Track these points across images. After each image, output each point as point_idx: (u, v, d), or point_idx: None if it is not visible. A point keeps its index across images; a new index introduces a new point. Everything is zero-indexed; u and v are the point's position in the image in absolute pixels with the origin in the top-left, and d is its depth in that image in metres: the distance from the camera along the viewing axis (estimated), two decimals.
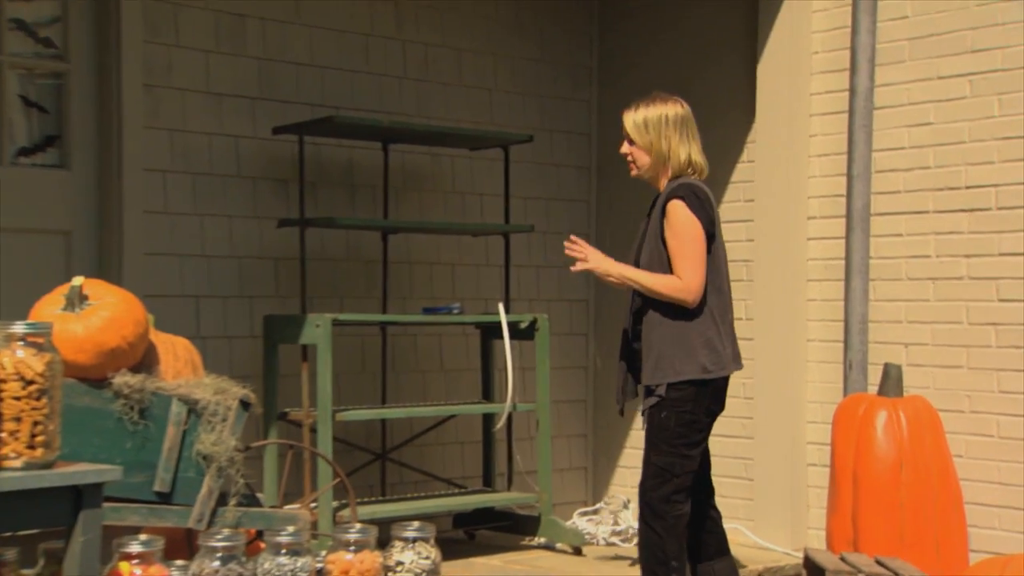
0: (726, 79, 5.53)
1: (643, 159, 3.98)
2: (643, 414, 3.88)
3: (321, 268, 5.15)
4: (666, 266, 3.86)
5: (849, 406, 4.59)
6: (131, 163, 4.65)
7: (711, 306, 3.87)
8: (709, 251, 3.84)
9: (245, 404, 3.66)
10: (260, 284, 4.99)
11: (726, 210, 5.54)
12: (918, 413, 4.50)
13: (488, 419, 5.22)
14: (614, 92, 5.93)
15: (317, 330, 4.48)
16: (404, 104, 5.41)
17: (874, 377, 4.84)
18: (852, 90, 4.92)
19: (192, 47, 4.84)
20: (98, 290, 3.62)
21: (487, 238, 5.61)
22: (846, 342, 4.90)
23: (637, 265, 3.93)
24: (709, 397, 3.88)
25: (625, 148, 4.00)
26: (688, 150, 3.93)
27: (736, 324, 5.36)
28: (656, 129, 3.94)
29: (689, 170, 3.92)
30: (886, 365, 4.60)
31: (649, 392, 3.84)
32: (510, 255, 5.33)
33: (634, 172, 4.01)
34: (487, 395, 5.23)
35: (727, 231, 5.56)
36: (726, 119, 5.54)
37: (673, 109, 3.94)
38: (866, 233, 4.91)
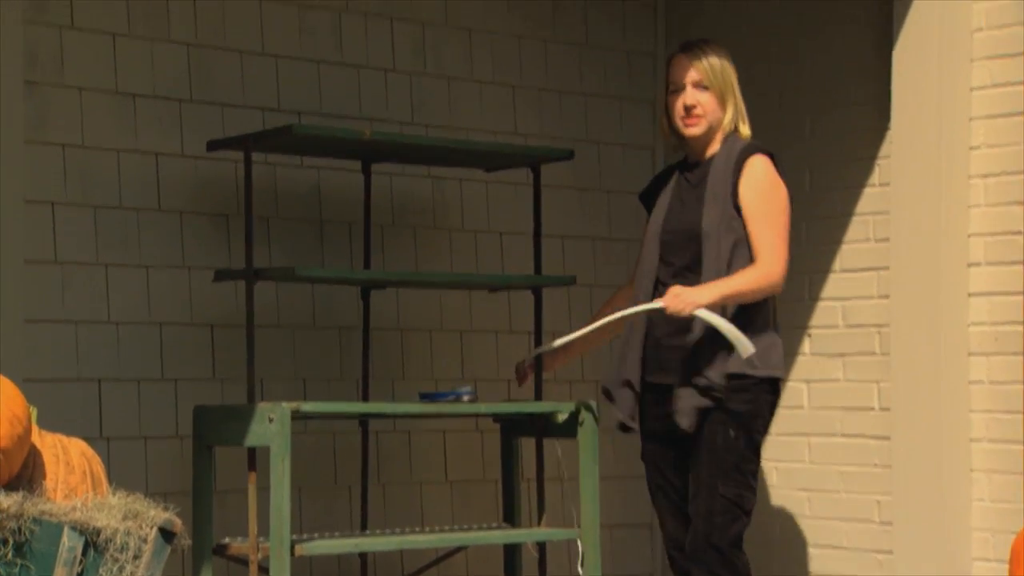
0: (847, 68, 5.51)
1: (716, 112, 4.41)
2: (681, 423, 4.22)
3: (276, 338, 5.13)
4: (740, 235, 4.27)
5: None
6: (6, 192, 4.64)
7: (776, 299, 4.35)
8: None
9: (167, 534, 3.66)
10: (189, 362, 4.97)
11: (847, 253, 5.49)
12: None
13: (512, 552, 5.17)
14: None
15: (270, 426, 4.45)
16: (393, 108, 5.42)
17: None
18: None
19: (93, 28, 4.83)
20: None
21: (510, 294, 5.58)
22: None
23: (665, 247, 4.41)
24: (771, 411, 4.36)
25: (691, 97, 4.39)
26: None
27: (866, 415, 5.45)
28: (731, 73, 4.41)
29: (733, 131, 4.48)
30: None
31: (708, 390, 4.21)
32: (542, 318, 5.27)
33: (697, 130, 4.41)
34: (510, 517, 5.19)
35: (847, 281, 5.52)
36: (847, 125, 5.52)
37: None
38: None
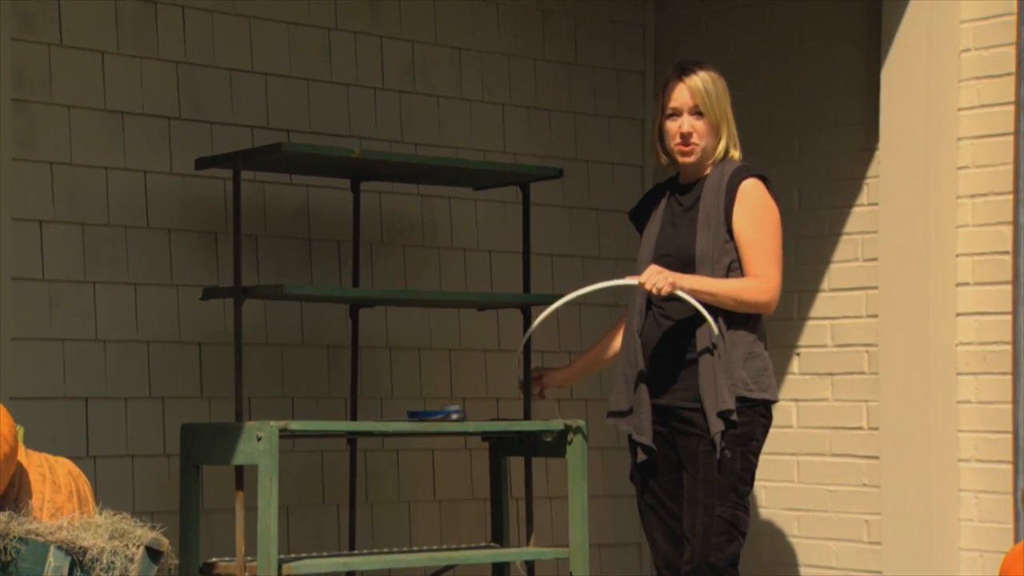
0: (836, 88, 5.53)
1: (710, 138, 4.44)
2: (700, 451, 4.32)
3: (264, 356, 5.14)
4: (734, 259, 4.34)
5: (1022, 558, 4.47)
6: None
7: (765, 320, 4.39)
8: None
9: (154, 553, 3.67)
10: (177, 380, 4.97)
11: (835, 273, 5.49)
12: None
13: (501, 571, 5.17)
14: None
15: (258, 445, 4.45)
16: (382, 126, 5.43)
17: None
18: (1020, 103, 4.93)
19: (81, 46, 4.84)
20: None
21: (499, 312, 5.59)
22: (1016, 464, 4.87)
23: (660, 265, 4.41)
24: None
25: (687, 125, 4.41)
26: None
27: (855, 435, 5.46)
28: (726, 99, 4.44)
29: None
30: None
31: (725, 414, 4.30)
32: (531, 337, 5.28)
33: (692, 158, 4.44)
34: (498, 536, 5.18)
35: (836, 300, 5.52)
36: (835, 145, 5.53)
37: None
38: None
